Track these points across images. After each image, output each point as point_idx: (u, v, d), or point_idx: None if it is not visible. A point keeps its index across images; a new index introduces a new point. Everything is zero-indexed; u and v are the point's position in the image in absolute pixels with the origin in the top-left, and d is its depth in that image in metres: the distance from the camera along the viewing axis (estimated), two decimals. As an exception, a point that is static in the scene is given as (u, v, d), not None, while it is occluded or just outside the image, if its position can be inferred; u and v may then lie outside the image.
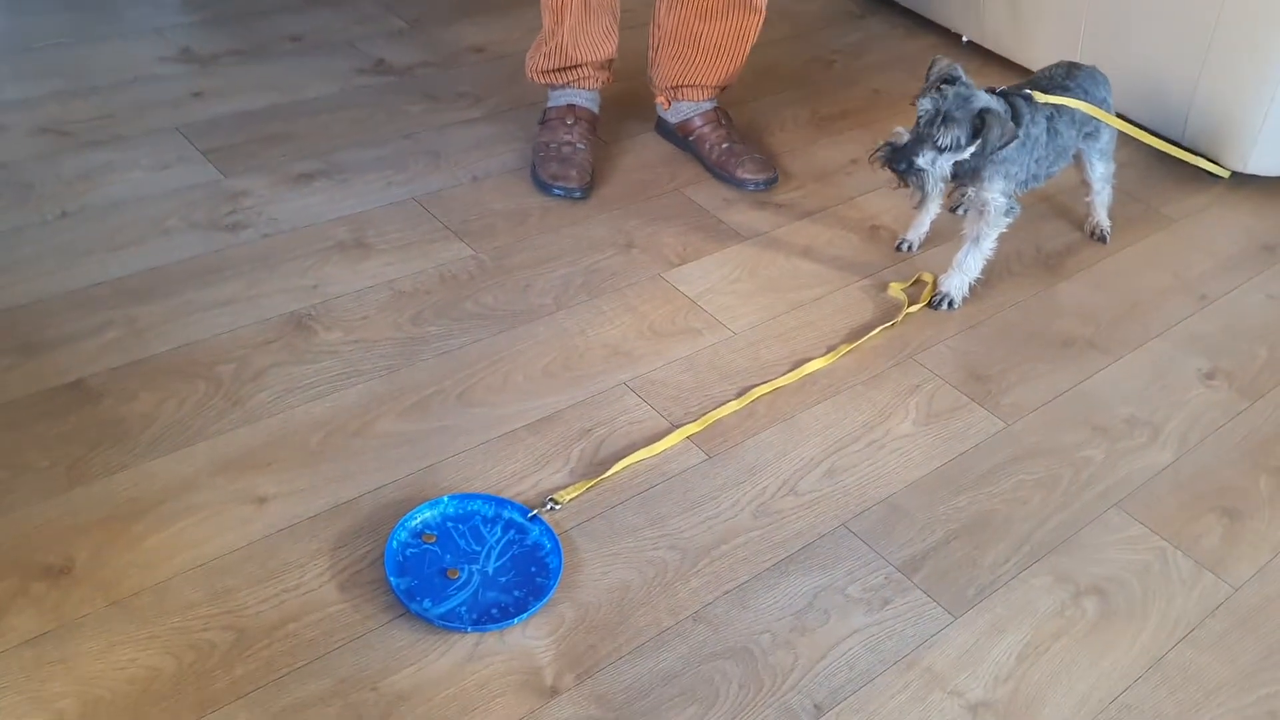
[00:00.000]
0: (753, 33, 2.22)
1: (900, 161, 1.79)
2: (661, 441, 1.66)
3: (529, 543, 1.50)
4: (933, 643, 1.45)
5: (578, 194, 2.16)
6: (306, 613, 1.38)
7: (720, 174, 2.29)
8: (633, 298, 1.97)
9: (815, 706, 1.36)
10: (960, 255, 1.98)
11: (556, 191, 2.16)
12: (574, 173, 2.16)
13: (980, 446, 1.74)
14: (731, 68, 2.26)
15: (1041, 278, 2.11)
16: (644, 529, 1.55)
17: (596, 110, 2.28)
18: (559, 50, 2.17)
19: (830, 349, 1.88)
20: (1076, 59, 2.07)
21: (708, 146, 2.30)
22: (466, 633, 1.38)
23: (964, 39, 2.86)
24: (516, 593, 1.43)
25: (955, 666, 1.42)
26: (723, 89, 2.33)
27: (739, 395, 1.77)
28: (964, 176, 1.88)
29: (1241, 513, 1.67)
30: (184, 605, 1.38)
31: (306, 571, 1.43)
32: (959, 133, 1.75)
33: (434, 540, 1.49)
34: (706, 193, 2.26)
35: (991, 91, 1.84)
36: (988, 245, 1.96)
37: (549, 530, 1.50)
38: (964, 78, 1.79)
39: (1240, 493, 1.71)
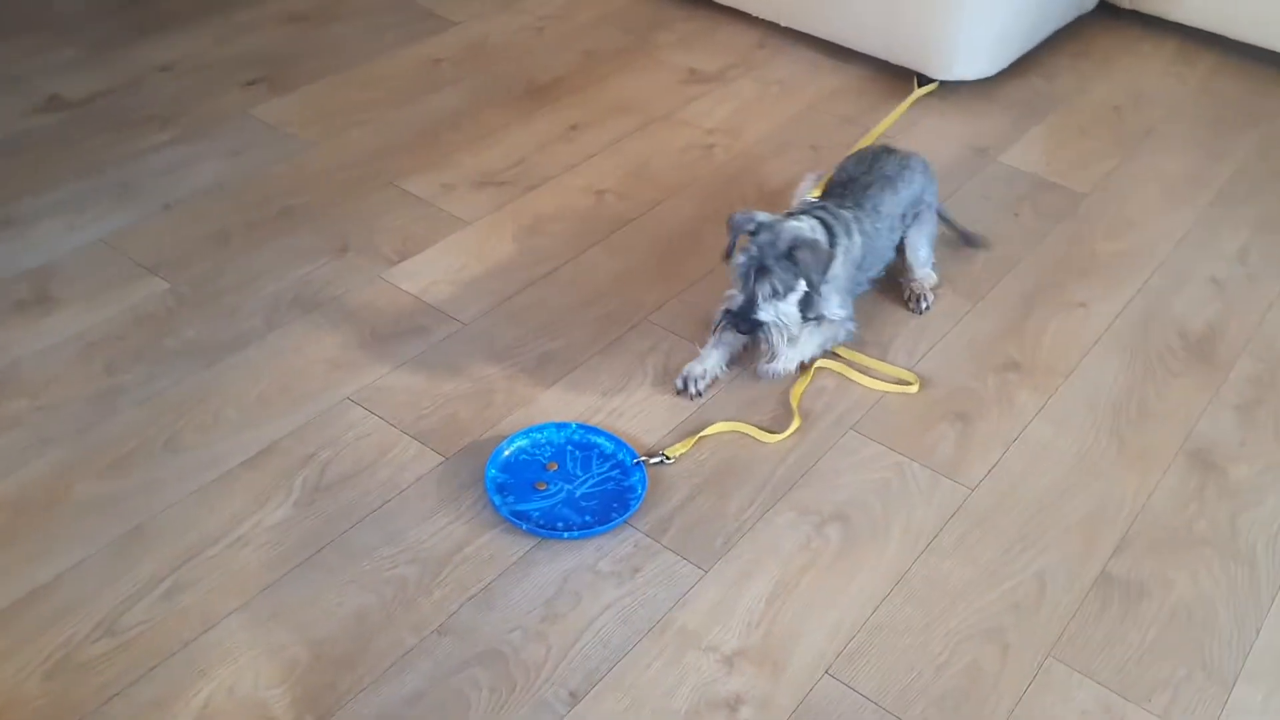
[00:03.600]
0: None
1: (744, 324, 1.67)
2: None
3: (625, 483, 1.56)
4: (685, 601, 1.42)
5: None
6: (4, 712, 1.26)
7: None
8: (351, 305, 1.87)
9: (571, 694, 1.31)
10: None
11: None
12: None
13: (719, 396, 1.73)
14: None
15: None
16: (379, 548, 1.47)
17: None
18: None
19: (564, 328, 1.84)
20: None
21: None
22: (522, 530, 1.49)
23: (671, -13, 2.84)
24: (588, 517, 1.51)
25: (708, 621, 1.40)
26: None
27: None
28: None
29: (972, 415, 1.71)
30: None
31: (3, 669, 1.30)
32: (781, 277, 1.64)
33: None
34: (423, 181, 2.17)
35: (806, 211, 1.74)
36: (825, 339, 1.76)
37: (645, 479, 1.56)
38: (763, 220, 1.68)
39: (969, 395, 1.75)
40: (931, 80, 2.49)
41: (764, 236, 1.66)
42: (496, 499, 1.52)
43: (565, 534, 1.49)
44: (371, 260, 1.97)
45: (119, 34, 2.59)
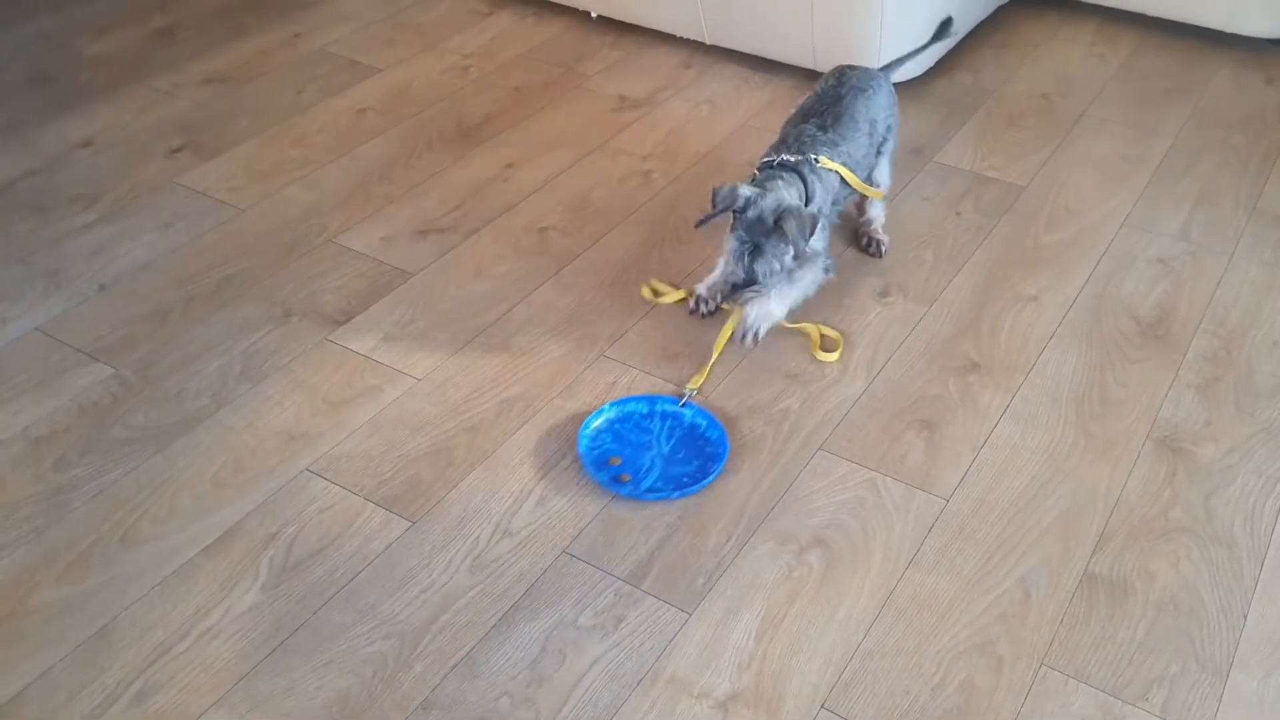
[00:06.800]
0: None
1: (748, 290, 1.78)
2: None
3: (686, 424, 1.68)
4: (672, 648, 1.40)
5: None
6: None
7: None
8: (300, 371, 1.83)
9: (566, 759, 1.28)
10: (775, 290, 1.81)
11: None
12: None
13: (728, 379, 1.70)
14: None
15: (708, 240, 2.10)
16: (354, 625, 1.43)
17: None
18: None
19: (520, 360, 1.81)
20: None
21: None
22: (672, 499, 1.57)
23: (593, 14, 2.83)
24: (696, 462, 1.62)
25: (698, 666, 1.38)
26: None
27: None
28: None
29: (938, 422, 1.70)
30: None
31: (-29, 799, 1.25)
32: (773, 252, 1.73)
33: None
34: (361, 235, 2.13)
35: (781, 164, 1.79)
36: (806, 285, 1.84)
37: (701, 410, 1.68)
38: (748, 195, 1.71)
39: (933, 401, 1.74)
40: (861, 85, 2.49)
41: (751, 214, 1.72)
42: (624, 491, 1.58)
43: (698, 484, 1.58)
44: (316, 323, 1.93)
45: (35, 113, 2.53)
